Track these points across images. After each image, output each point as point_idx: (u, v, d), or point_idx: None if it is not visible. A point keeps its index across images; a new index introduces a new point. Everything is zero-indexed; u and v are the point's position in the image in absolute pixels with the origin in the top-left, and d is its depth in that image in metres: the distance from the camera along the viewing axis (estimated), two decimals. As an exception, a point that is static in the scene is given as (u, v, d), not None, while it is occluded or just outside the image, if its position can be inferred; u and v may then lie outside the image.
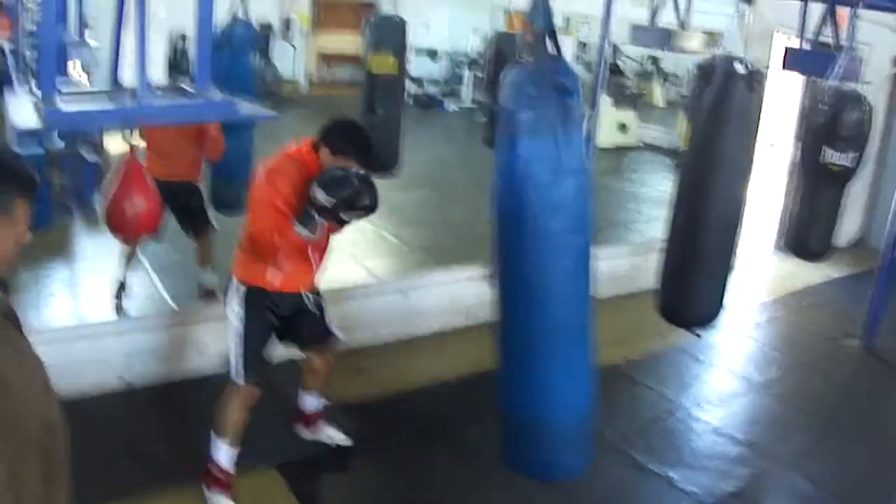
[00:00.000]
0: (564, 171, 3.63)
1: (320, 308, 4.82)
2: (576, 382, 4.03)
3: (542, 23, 3.64)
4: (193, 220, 6.86)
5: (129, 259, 6.90)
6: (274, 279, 4.50)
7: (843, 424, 6.17)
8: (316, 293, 4.80)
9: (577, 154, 3.65)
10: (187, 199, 6.69)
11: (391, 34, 7.29)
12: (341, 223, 4.33)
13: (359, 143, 4.38)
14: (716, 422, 6.05)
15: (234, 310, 4.56)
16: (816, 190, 6.08)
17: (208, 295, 6.98)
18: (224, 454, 4.64)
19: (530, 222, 3.65)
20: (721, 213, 4.71)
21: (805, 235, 6.27)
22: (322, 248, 4.62)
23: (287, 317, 4.67)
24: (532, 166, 3.58)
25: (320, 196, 4.11)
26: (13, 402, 2.05)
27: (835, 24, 6.31)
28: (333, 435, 5.32)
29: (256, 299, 4.53)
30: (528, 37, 3.71)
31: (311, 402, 5.26)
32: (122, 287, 6.95)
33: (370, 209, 4.28)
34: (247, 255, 4.52)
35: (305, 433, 5.33)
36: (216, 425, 4.64)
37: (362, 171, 4.33)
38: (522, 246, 3.72)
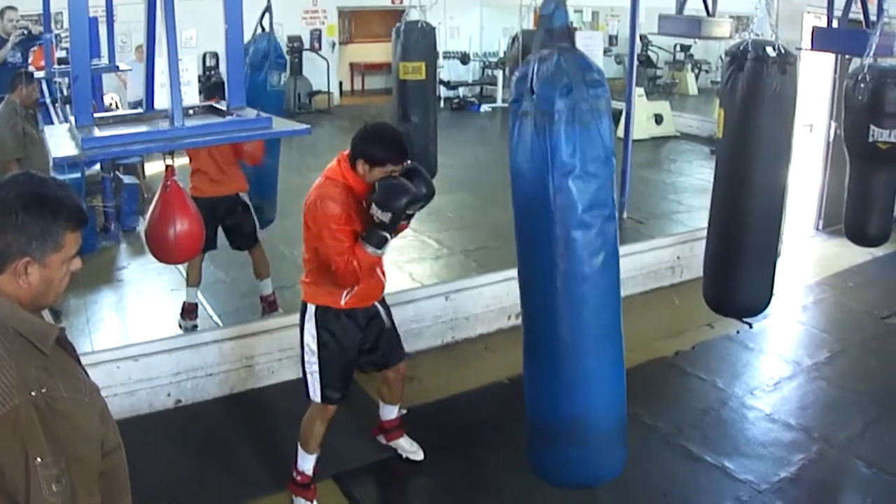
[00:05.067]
0: (596, 161, 3.53)
1: (391, 319, 4.90)
2: (608, 384, 3.82)
3: (563, 18, 3.62)
4: (245, 236, 6.90)
5: (192, 281, 6.93)
6: (347, 299, 4.57)
7: (898, 404, 6.10)
8: (383, 302, 4.88)
9: (607, 145, 3.59)
10: (236, 213, 6.73)
11: (420, 40, 7.30)
12: (407, 219, 4.38)
13: (391, 148, 4.35)
14: (768, 408, 6.00)
15: (309, 332, 4.66)
16: (868, 171, 5.96)
17: (271, 305, 7.08)
18: (307, 463, 4.85)
19: (562, 209, 3.55)
20: (762, 200, 4.67)
21: (862, 220, 6.13)
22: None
23: (366, 331, 4.76)
24: (568, 156, 3.50)
25: (379, 215, 4.18)
26: (72, 431, 2.09)
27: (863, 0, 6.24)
28: (406, 447, 5.37)
29: (329, 319, 4.62)
30: (542, 32, 3.69)
31: (388, 411, 5.35)
32: (187, 309, 6.96)
33: (426, 200, 4.37)
34: (316, 279, 4.59)
35: (382, 441, 5.41)
36: (301, 439, 4.85)
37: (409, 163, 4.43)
38: (550, 233, 3.63)
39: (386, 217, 4.18)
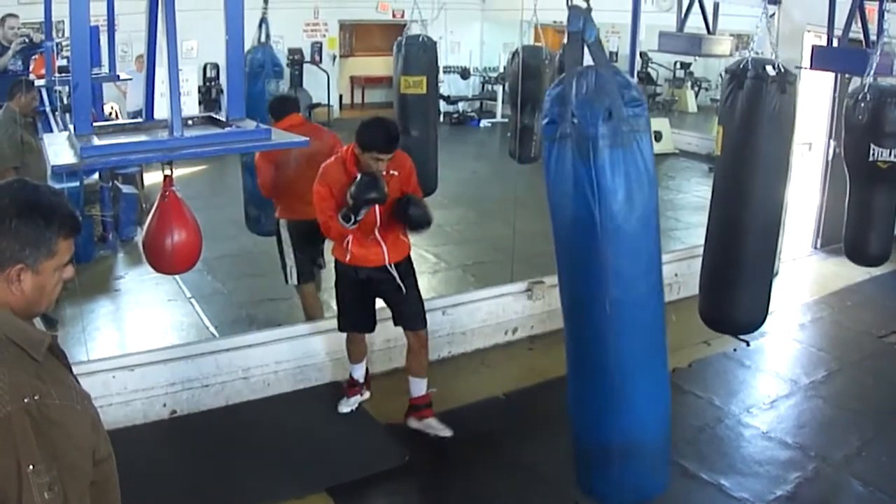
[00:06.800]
0: (639, 183, 3.45)
1: (408, 284, 5.57)
2: (659, 401, 3.77)
3: (594, 33, 3.55)
4: (321, 257, 6.86)
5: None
6: (345, 254, 5.43)
7: (895, 423, 6.08)
8: (404, 268, 5.56)
9: (648, 166, 3.49)
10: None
11: (421, 54, 7.31)
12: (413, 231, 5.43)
13: (377, 138, 5.09)
14: (765, 427, 5.99)
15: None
16: (868, 190, 5.94)
17: None
18: (355, 372, 6.03)
19: (611, 235, 3.46)
20: (759, 217, 4.67)
21: (862, 239, 6.11)
22: (391, 229, 5.41)
23: (380, 290, 5.60)
24: (614, 177, 3.39)
25: (348, 197, 5.02)
26: (65, 439, 2.08)
27: (864, 19, 6.24)
28: (435, 425, 5.70)
29: (340, 270, 5.59)
30: (570, 49, 3.61)
31: (413, 386, 5.72)
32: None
33: (419, 225, 5.35)
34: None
35: (413, 423, 5.74)
36: (348, 356, 5.97)
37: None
38: (598, 259, 3.51)
39: (350, 201, 5.03)
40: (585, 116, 3.39)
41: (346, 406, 5.98)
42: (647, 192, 3.47)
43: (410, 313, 5.63)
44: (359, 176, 5.04)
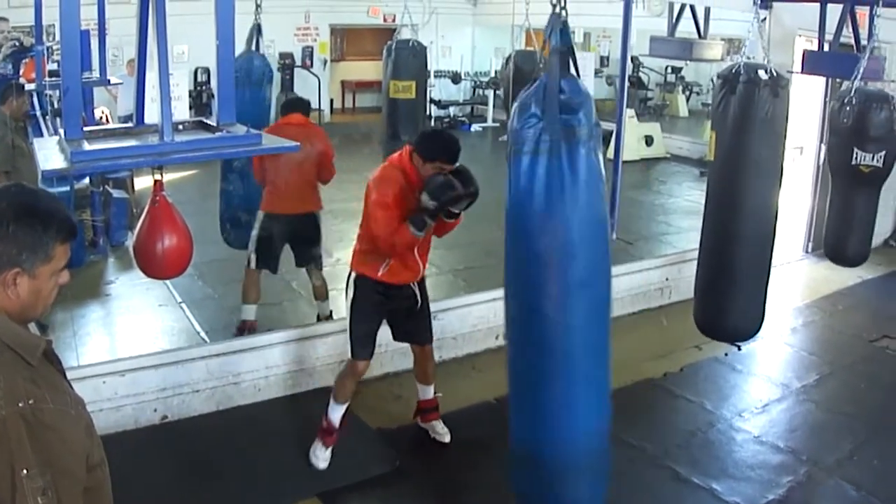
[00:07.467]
0: (565, 190, 3.45)
1: (424, 300, 5.48)
2: (584, 412, 3.87)
3: (556, 40, 3.58)
4: (313, 254, 6.98)
5: (251, 299, 6.98)
6: (382, 272, 5.19)
7: (887, 427, 6.08)
8: (423, 284, 5.47)
9: (582, 172, 3.46)
10: (308, 231, 6.83)
11: (411, 59, 7.32)
12: (452, 216, 5.07)
13: (444, 148, 5.05)
14: (757, 431, 5.99)
15: (348, 296, 5.35)
16: (849, 193, 5.99)
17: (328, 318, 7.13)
18: (336, 413, 5.44)
19: (528, 244, 3.63)
20: (753, 222, 4.69)
21: (842, 241, 6.16)
22: (426, 247, 5.33)
23: (397, 307, 5.39)
24: (532, 186, 3.48)
25: (427, 202, 4.84)
26: (59, 443, 2.08)
27: (854, 24, 6.26)
28: (438, 430, 5.77)
29: (364, 286, 5.28)
30: (546, 54, 3.66)
31: (423, 391, 5.81)
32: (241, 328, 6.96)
33: (471, 198, 4.98)
34: (362, 250, 5.25)
35: (420, 424, 5.83)
36: (334, 393, 5.45)
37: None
38: (523, 268, 3.75)
39: (431, 205, 4.84)
40: (512, 124, 3.53)
41: (323, 461, 5.38)
42: (575, 202, 3.48)
43: (420, 329, 5.60)
44: (440, 177, 4.88)
